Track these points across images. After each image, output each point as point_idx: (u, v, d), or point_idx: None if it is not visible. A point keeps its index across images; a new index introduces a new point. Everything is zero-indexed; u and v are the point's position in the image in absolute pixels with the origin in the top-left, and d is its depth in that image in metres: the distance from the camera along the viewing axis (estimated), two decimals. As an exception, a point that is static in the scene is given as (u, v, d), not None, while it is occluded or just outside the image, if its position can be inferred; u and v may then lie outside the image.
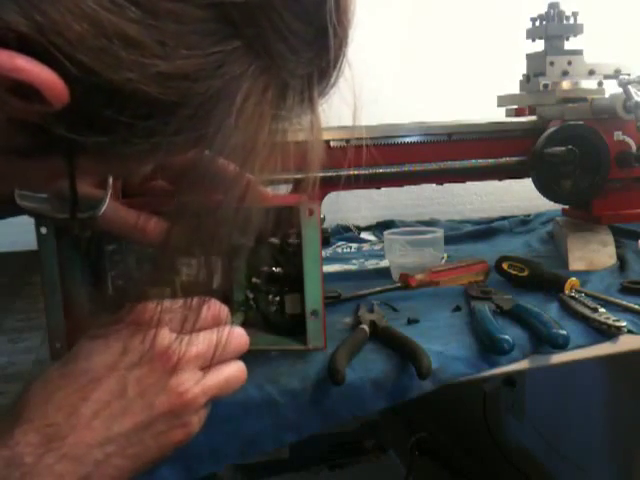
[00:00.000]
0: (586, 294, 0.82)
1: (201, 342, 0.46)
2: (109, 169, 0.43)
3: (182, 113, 0.33)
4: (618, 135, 0.96)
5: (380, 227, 1.37)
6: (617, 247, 1.00)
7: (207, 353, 0.46)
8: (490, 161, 1.00)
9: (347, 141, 0.93)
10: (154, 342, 0.44)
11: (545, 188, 0.99)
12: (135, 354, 0.44)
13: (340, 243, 1.29)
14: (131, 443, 0.43)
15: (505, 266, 0.92)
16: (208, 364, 0.46)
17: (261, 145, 0.36)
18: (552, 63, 1.02)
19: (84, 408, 0.42)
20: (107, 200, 0.52)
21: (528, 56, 1.08)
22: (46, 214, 0.51)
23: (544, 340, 0.70)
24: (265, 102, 0.35)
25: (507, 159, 1.00)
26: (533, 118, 1.05)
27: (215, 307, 0.48)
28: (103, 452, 0.42)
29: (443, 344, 0.70)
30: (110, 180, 0.52)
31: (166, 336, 0.45)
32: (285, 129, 0.38)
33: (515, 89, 1.12)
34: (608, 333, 0.73)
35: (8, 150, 0.35)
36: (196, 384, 0.45)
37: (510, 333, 0.69)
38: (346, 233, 1.36)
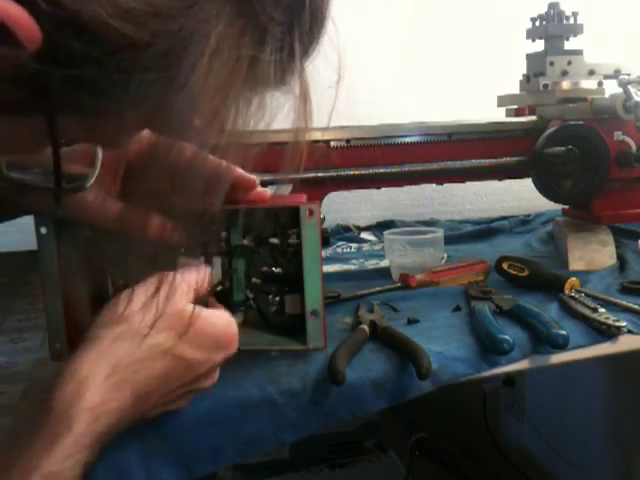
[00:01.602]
0: (586, 294, 0.82)
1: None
2: (92, 134, 0.41)
3: (153, 51, 0.32)
4: (618, 135, 0.96)
5: (380, 227, 1.37)
6: (617, 247, 1.00)
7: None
8: (490, 161, 1.00)
9: (347, 141, 0.93)
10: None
11: (545, 188, 0.99)
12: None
13: (340, 243, 1.29)
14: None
15: (505, 266, 0.92)
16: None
17: (237, 91, 0.35)
18: (552, 63, 1.02)
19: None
20: (96, 172, 0.51)
21: (528, 56, 1.08)
22: (33, 184, 0.50)
23: (544, 340, 0.70)
24: (241, 46, 0.34)
25: (507, 159, 1.00)
26: (533, 118, 1.05)
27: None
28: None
29: (443, 344, 0.70)
30: (99, 152, 0.52)
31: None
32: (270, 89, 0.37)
33: (515, 89, 1.12)
34: (608, 333, 0.73)
35: None
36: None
37: (510, 333, 0.69)
38: (346, 233, 1.36)
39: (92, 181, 0.51)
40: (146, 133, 0.56)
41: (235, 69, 0.34)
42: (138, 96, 0.35)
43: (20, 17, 0.29)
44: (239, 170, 0.64)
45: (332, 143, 0.90)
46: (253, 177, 0.64)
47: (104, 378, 0.47)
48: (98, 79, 0.33)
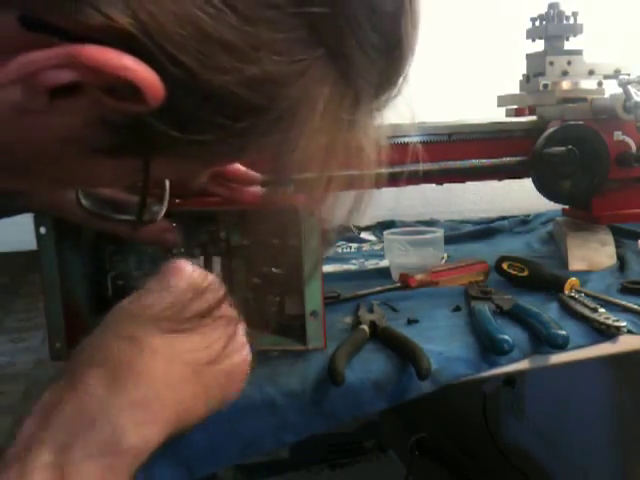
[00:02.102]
0: (586, 294, 0.82)
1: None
2: (178, 172, 0.44)
3: (270, 116, 0.35)
4: (618, 135, 0.96)
5: (380, 227, 1.36)
6: (617, 247, 1.00)
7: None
8: (490, 161, 1.00)
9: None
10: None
11: (545, 188, 0.99)
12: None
13: (340, 243, 1.29)
14: (203, 371, 0.45)
15: (505, 266, 0.92)
16: None
17: (339, 149, 0.38)
18: (552, 63, 1.02)
19: (147, 341, 0.44)
20: (165, 206, 0.53)
21: (528, 56, 1.08)
22: (108, 215, 0.52)
23: (544, 340, 0.70)
24: (342, 108, 0.36)
25: (507, 159, 1.00)
26: (533, 118, 1.05)
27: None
28: (176, 377, 0.43)
29: (443, 344, 0.70)
30: (167, 186, 0.53)
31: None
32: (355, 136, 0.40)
33: (515, 89, 1.12)
34: (608, 333, 0.73)
35: (89, 147, 0.35)
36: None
37: (510, 333, 0.69)
38: (346, 233, 1.36)
39: (163, 213, 0.54)
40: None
41: (337, 129, 0.37)
42: (246, 153, 0.39)
43: (150, 80, 0.31)
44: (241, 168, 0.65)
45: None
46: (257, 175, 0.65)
47: None
48: (214, 141, 0.36)
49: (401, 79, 0.39)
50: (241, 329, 0.47)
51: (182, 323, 0.44)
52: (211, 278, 0.47)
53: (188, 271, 0.47)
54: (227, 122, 0.34)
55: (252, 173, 0.66)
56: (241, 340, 0.47)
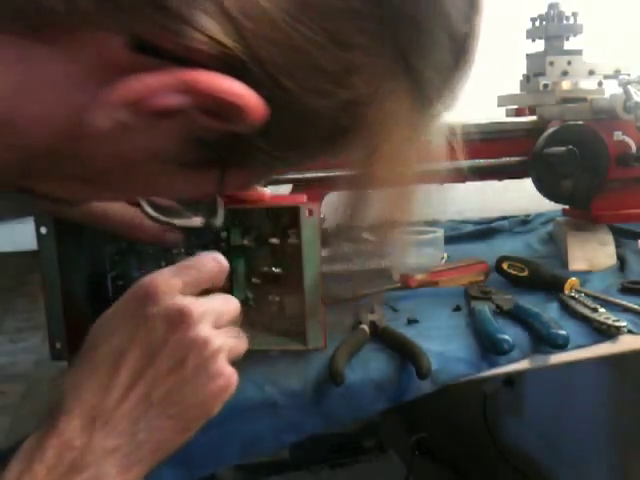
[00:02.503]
0: (586, 294, 0.82)
1: (209, 302, 0.47)
2: (244, 181, 0.45)
3: (353, 135, 0.37)
4: (618, 135, 0.96)
5: (380, 227, 1.36)
6: (617, 247, 1.00)
7: (218, 311, 0.47)
8: (490, 161, 1.00)
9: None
10: (166, 303, 0.44)
11: (545, 188, 0.99)
12: (152, 318, 0.44)
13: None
14: (173, 403, 0.43)
15: (505, 266, 0.92)
16: (220, 325, 0.47)
17: (417, 156, 0.41)
18: (552, 63, 1.02)
19: (117, 384, 0.42)
20: (222, 211, 0.55)
21: (528, 56, 1.08)
22: (173, 224, 0.53)
23: (544, 340, 0.70)
24: (417, 126, 0.40)
25: (507, 159, 1.00)
26: (533, 118, 1.05)
27: (217, 259, 0.49)
28: (147, 418, 0.43)
29: (443, 344, 0.70)
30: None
31: (176, 296, 0.45)
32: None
33: (515, 89, 1.12)
34: (608, 333, 0.73)
35: (176, 162, 0.37)
36: (216, 335, 0.45)
37: (510, 333, 0.69)
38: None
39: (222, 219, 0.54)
40: None
41: (414, 138, 0.40)
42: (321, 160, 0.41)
43: (256, 104, 0.33)
44: None
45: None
46: None
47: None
48: (306, 158, 0.40)
49: (464, 82, 0.42)
50: (220, 356, 0.45)
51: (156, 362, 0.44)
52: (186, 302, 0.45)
53: (159, 295, 0.45)
54: (315, 141, 0.37)
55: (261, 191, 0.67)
56: (216, 368, 0.45)
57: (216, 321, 0.46)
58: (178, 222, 0.51)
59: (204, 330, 0.44)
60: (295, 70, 0.33)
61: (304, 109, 0.34)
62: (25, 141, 0.34)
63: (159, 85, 0.31)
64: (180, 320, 0.44)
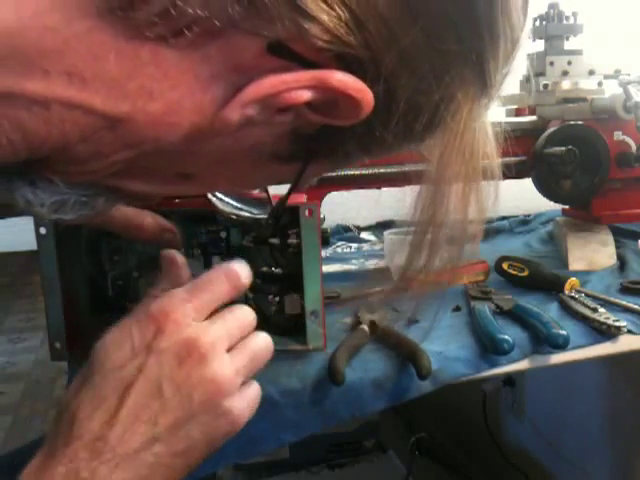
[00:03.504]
0: (586, 294, 0.82)
1: (222, 323, 0.46)
2: (314, 175, 0.47)
3: (436, 129, 0.40)
4: (618, 135, 0.96)
5: (380, 227, 1.36)
6: (617, 247, 1.00)
7: (231, 332, 0.46)
8: (490, 161, 1.00)
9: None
10: (176, 336, 0.44)
11: (545, 188, 0.99)
12: (161, 352, 0.43)
13: (340, 243, 1.28)
14: (178, 439, 0.43)
15: (505, 266, 0.92)
16: (234, 343, 0.46)
17: (483, 150, 0.43)
18: (552, 63, 1.02)
19: (124, 415, 0.42)
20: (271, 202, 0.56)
21: (528, 56, 1.08)
22: (241, 216, 0.53)
23: (544, 340, 0.70)
24: (479, 119, 0.42)
25: (507, 159, 1.00)
26: (533, 118, 1.05)
27: (230, 275, 0.48)
28: (152, 453, 0.42)
29: (443, 344, 0.70)
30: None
31: (187, 326, 0.44)
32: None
33: (515, 89, 1.12)
34: (608, 333, 0.73)
35: (271, 154, 0.39)
36: (227, 367, 0.45)
37: (510, 333, 0.69)
38: (346, 233, 1.36)
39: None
40: None
41: (473, 135, 0.42)
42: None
43: (370, 100, 0.35)
44: None
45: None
46: None
47: None
48: (392, 147, 0.41)
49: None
50: (229, 393, 0.45)
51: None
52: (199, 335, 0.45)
53: (169, 326, 0.44)
54: (410, 136, 0.40)
55: None
56: (224, 407, 0.44)
57: (230, 341, 0.46)
58: (242, 215, 0.52)
59: (213, 367, 0.44)
60: (402, 71, 0.36)
61: (406, 105, 0.37)
62: (140, 139, 0.35)
63: (293, 82, 0.34)
64: (189, 355, 0.43)
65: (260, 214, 0.49)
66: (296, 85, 0.34)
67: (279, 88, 0.34)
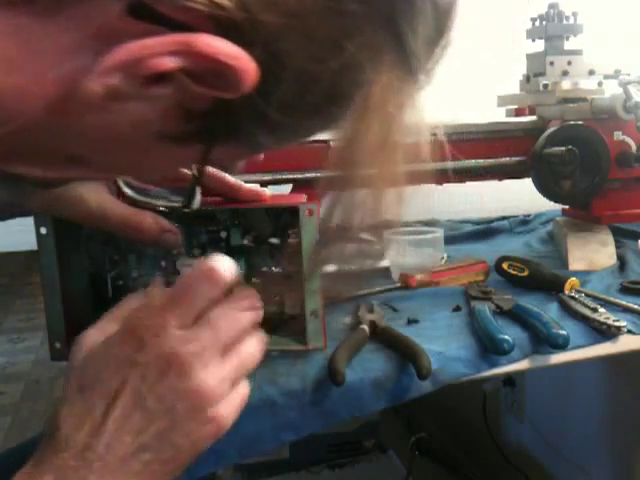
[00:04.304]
0: (586, 294, 0.82)
1: (208, 329, 0.45)
2: (228, 159, 0.45)
3: (347, 103, 0.37)
4: (618, 135, 0.96)
5: (380, 227, 1.36)
6: (617, 247, 1.00)
7: (219, 336, 0.45)
8: (490, 161, 1.00)
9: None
10: (157, 349, 0.43)
11: (545, 188, 0.99)
12: (143, 365, 0.43)
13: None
14: (164, 447, 0.44)
15: (505, 266, 0.92)
16: (223, 347, 0.46)
17: (401, 135, 0.40)
18: (552, 63, 1.02)
19: (110, 426, 0.43)
20: (200, 191, 0.53)
21: (528, 56, 1.08)
22: (152, 204, 0.51)
23: (544, 340, 0.70)
24: (403, 95, 0.39)
25: (507, 159, 1.00)
26: (533, 118, 1.05)
27: (208, 273, 0.46)
28: (140, 461, 0.43)
29: (443, 344, 0.70)
30: (197, 170, 0.53)
31: (168, 338, 0.44)
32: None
33: (515, 89, 1.12)
34: (608, 333, 0.73)
35: (160, 134, 0.36)
36: (211, 377, 0.44)
37: (510, 333, 0.69)
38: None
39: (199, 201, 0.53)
40: None
41: (398, 114, 0.39)
42: (310, 136, 0.41)
43: (250, 68, 0.32)
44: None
45: (332, 143, 0.90)
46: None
47: None
48: (291, 125, 0.38)
49: (437, 66, 0.42)
50: (211, 401, 0.44)
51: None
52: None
53: (149, 339, 0.44)
54: (310, 108, 0.37)
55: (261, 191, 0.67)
56: (207, 415, 0.44)
57: (218, 346, 0.45)
58: (157, 203, 0.50)
59: (196, 378, 0.44)
60: (290, 34, 0.32)
61: (298, 74, 0.34)
62: (5, 115, 0.33)
63: (156, 47, 0.31)
64: (170, 367, 0.43)
65: (177, 202, 0.47)
66: (160, 51, 0.31)
67: (140, 54, 0.31)
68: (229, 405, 0.46)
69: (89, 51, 0.32)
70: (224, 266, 0.47)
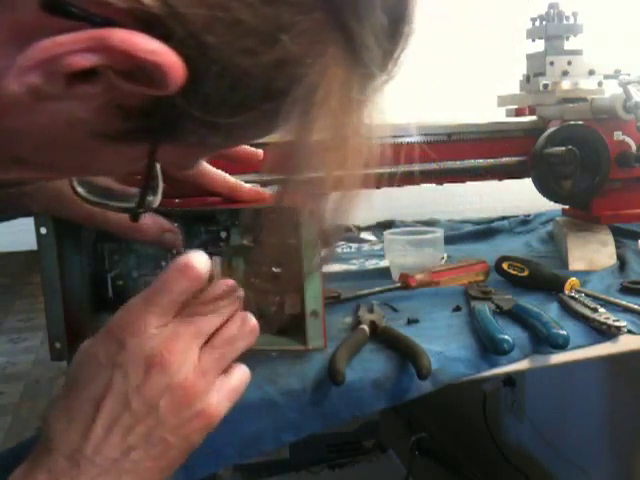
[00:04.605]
0: (586, 294, 0.82)
1: (189, 324, 0.45)
2: (181, 158, 0.44)
3: (290, 98, 0.35)
4: (618, 135, 0.96)
5: (380, 227, 1.36)
6: (617, 247, 1.00)
7: (200, 329, 0.46)
8: (490, 161, 1.00)
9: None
10: (137, 349, 0.44)
11: (545, 188, 0.99)
12: (125, 366, 0.44)
13: (340, 243, 1.28)
14: (153, 445, 0.44)
15: (505, 266, 0.92)
16: (206, 338, 0.46)
17: (352, 132, 0.38)
18: (552, 63, 1.02)
19: (98, 429, 0.43)
20: (160, 192, 0.52)
21: (528, 56, 1.08)
22: (107, 204, 0.51)
23: (544, 340, 0.70)
24: (353, 90, 0.37)
25: (507, 159, 1.00)
26: (533, 118, 1.05)
27: (184, 269, 0.46)
28: (130, 460, 0.43)
29: (443, 344, 0.70)
30: (159, 169, 0.52)
31: (147, 338, 0.44)
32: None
33: (515, 89, 1.12)
34: (608, 333, 0.73)
35: (98, 133, 0.35)
36: (193, 372, 0.45)
37: (510, 333, 0.69)
38: (346, 233, 1.36)
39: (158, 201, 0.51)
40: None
41: (349, 111, 0.37)
42: (261, 136, 0.39)
43: (175, 64, 0.31)
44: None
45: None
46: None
47: None
48: (238, 124, 0.36)
49: (401, 59, 0.40)
50: (197, 394, 0.44)
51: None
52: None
53: (129, 339, 0.44)
54: (247, 105, 0.35)
55: (255, 150, 0.64)
56: (195, 408, 0.44)
57: (200, 339, 0.45)
58: (112, 204, 0.49)
59: (178, 374, 0.44)
60: (217, 27, 0.31)
61: (230, 69, 0.33)
62: None
63: (70, 44, 0.30)
64: (151, 366, 0.43)
65: (130, 205, 0.47)
66: (74, 48, 0.30)
67: (55, 52, 0.30)
68: (219, 394, 0.46)
69: (9, 49, 0.31)
70: (199, 260, 0.46)
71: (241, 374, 0.48)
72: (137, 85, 0.32)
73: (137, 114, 0.34)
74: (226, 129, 0.36)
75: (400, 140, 0.96)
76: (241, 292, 0.49)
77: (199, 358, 0.45)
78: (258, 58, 0.33)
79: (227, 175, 0.65)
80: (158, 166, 0.51)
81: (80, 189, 0.50)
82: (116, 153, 0.38)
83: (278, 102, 0.35)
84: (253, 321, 0.49)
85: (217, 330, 0.47)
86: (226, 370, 0.47)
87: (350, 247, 1.26)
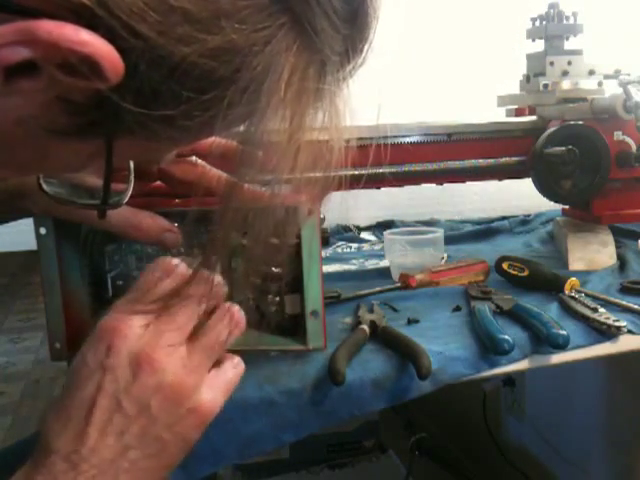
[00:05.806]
0: (586, 294, 0.82)
1: (174, 320, 0.45)
2: (142, 152, 0.43)
3: (235, 87, 0.34)
4: (618, 135, 0.96)
5: (380, 227, 1.37)
6: (617, 247, 1.00)
7: (186, 325, 0.46)
8: (490, 161, 1.00)
9: (346, 141, 0.93)
10: (125, 350, 0.44)
11: (545, 188, 0.99)
12: (114, 368, 0.44)
13: (340, 243, 1.29)
14: (148, 444, 0.44)
15: (505, 266, 0.92)
16: (188, 331, 0.46)
17: (307, 122, 0.37)
18: (552, 63, 1.02)
19: (92, 431, 0.43)
20: (131, 188, 0.51)
21: (528, 56, 1.08)
22: (73, 201, 0.50)
23: (544, 340, 0.70)
24: (308, 78, 0.36)
25: (507, 159, 1.00)
26: (533, 118, 1.05)
27: (166, 267, 0.47)
28: (127, 460, 0.44)
29: (443, 344, 0.70)
30: (132, 166, 0.52)
31: (134, 338, 0.44)
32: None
33: (515, 89, 1.12)
34: (608, 333, 0.73)
35: (47, 129, 0.34)
36: (181, 369, 0.45)
37: (510, 333, 0.69)
38: (346, 233, 1.36)
39: (128, 197, 0.51)
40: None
41: (304, 101, 0.36)
42: (213, 129, 0.37)
43: (109, 55, 0.30)
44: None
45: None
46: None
47: None
48: (179, 116, 0.34)
49: (366, 47, 0.39)
50: (190, 391, 0.45)
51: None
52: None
53: (118, 341, 0.44)
54: (192, 95, 0.34)
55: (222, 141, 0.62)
56: (188, 405, 0.45)
57: (185, 336, 0.46)
58: (74, 200, 0.49)
59: (167, 373, 0.44)
60: (152, 16, 0.30)
61: (169, 59, 0.32)
62: None
63: (0, 38, 0.29)
64: (140, 367, 0.44)
65: (95, 201, 0.46)
66: (2, 41, 0.29)
67: None
68: (212, 389, 0.46)
69: None
70: (173, 261, 0.47)
71: (233, 366, 0.48)
72: (78, 78, 0.31)
73: (84, 109, 0.33)
74: (176, 121, 0.35)
75: (400, 140, 0.97)
76: (221, 282, 0.49)
77: (187, 353, 0.45)
78: (196, 46, 0.32)
79: (227, 175, 0.65)
80: (131, 163, 0.51)
81: (46, 186, 0.49)
82: (71, 149, 0.37)
83: (223, 91, 0.34)
84: (239, 312, 0.49)
85: (203, 324, 0.47)
86: (217, 363, 0.47)
87: (350, 247, 1.26)
